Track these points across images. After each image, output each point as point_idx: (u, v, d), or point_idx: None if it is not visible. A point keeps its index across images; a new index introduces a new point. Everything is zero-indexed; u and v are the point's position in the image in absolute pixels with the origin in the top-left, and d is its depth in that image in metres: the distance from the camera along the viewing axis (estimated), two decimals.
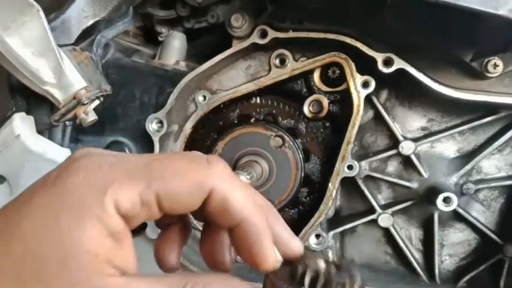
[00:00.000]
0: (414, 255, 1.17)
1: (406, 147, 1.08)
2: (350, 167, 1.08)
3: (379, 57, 1.00)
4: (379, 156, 1.11)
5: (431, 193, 1.09)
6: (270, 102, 1.13)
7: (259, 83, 1.10)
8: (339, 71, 1.09)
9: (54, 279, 0.38)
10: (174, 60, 1.25)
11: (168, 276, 0.45)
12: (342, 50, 1.04)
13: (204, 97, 1.13)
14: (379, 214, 1.13)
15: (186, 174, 0.43)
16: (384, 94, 1.12)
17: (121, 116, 1.20)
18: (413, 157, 1.09)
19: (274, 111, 1.12)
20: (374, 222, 1.14)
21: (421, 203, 1.13)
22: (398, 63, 0.99)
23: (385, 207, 1.14)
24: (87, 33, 0.98)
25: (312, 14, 1.03)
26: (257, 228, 0.44)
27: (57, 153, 0.95)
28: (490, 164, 1.13)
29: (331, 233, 1.14)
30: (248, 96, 1.13)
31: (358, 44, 1.00)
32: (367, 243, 1.20)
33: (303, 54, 1.08)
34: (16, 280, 0.39)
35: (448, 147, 1.13)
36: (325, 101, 1.12)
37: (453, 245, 1.17)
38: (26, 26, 0.80)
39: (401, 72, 0.99)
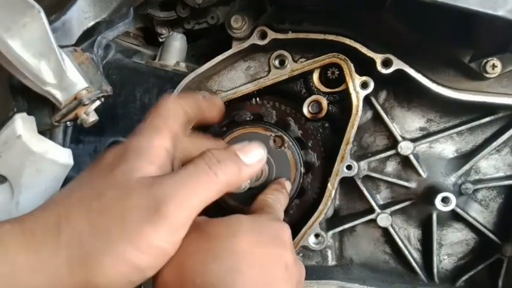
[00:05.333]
0: (413, 254, 1.18)
1: (405, 148, 1.09)
2: (349, 167, 1.08)
3: (378, 58, 1.00)
4: (378, 157, 1.11)
5: (429, 193, 1.09)
6: (269, 103, 1.13)
7: (258, 83, 1.10)
8: (338, 72, 1.09)
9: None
10: (174, 61, 1.26)
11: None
12: (341, 51, 1.04)
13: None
14: (378, 214, 1.13)
15: None
16: (383, 95, 1.12)
17: (121, 117, 1.21)
18: (411, 157, 1.10)
19: (273, 112, 1.13)
20: (373, 221, 1.14)
21: (419, 203, 1.13)
22: (397, 64, 0.99)
23: (383, 207, 1.15)
24: (88, 35, 0.98)
25: (311, 15, 1.03)
26: None
27: (58, 153, 0.95)
28: (488, 164, 1.13)
29: (330, 232, 1.14)
30: (248, 96, 1.13)
31: (357, 45, 1.00)
32: (366, 242, 1.20)
33: (302, 55, 1.09)
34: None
35: (447, 147, 1.13)
36: (324, 102, 1.12)
37: (451, 244, 1.18)
38: (27, 27, 0.80)
39: (400, 73, 1.00)
